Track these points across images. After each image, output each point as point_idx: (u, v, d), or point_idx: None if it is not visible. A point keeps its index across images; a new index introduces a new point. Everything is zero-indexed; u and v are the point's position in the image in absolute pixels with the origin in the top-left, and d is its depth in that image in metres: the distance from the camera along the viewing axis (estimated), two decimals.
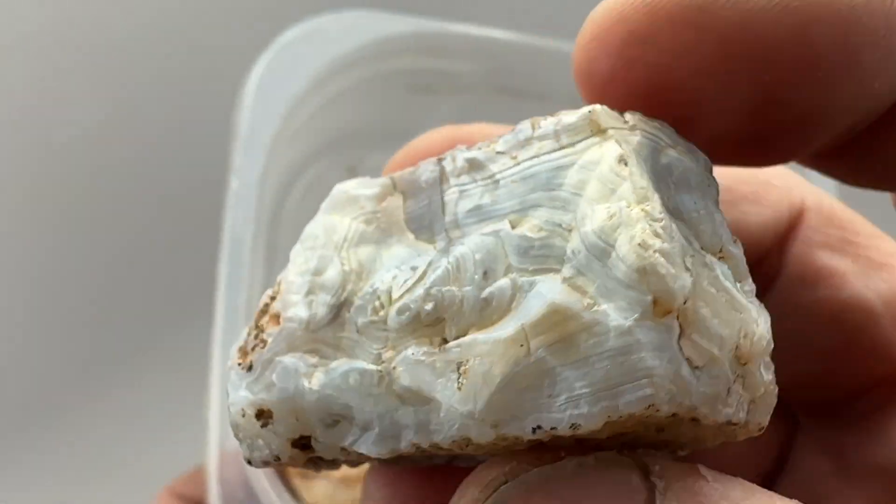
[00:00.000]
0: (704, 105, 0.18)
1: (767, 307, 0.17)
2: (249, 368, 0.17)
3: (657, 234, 0.15)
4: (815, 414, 0.23)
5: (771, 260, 0.22)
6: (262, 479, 0.31)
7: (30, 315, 0.52)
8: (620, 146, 0.16)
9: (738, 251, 0.17)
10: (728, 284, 0.16)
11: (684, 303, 0.15)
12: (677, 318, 0.15)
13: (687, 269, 0.15)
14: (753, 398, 0.16)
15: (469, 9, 0.45)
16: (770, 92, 0.17)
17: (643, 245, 0.15)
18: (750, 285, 0.17)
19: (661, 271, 0.14)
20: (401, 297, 0.17)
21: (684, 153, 0.17)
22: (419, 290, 0.16)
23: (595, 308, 0.15)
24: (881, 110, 0.18)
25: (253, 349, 0.18)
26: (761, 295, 0.22)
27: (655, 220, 0.15)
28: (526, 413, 0.15)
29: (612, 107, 0.17)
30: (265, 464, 0.18)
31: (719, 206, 0.17)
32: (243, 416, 0.17)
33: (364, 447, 0.17)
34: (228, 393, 0.18)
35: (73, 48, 0.52)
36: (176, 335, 0.50)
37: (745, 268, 0.17)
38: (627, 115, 0.17)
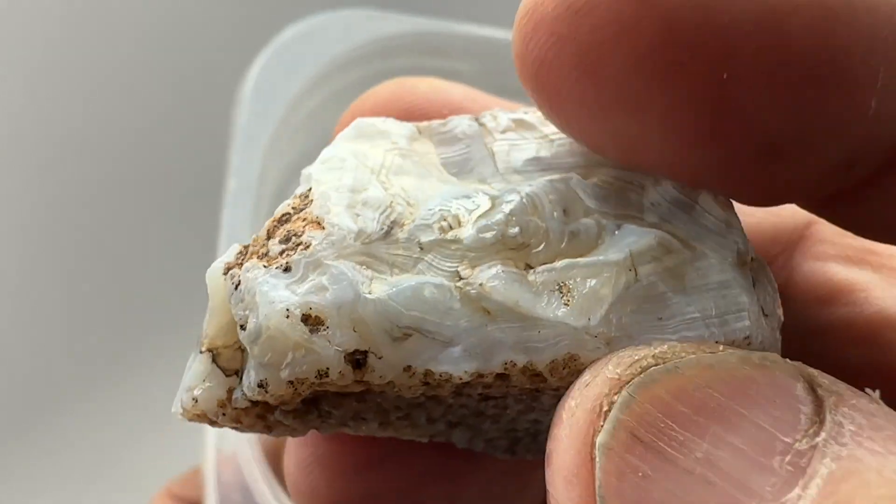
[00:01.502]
0: (645, 103, 0.14)
1: None
2: (286, 269, 0.15)
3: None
4: None
5: (776, 270, 0.20)
6: (259, 481, 0.31)
7: (27, 316, 0.52)
8: None
9: (763, 265, 0.18)
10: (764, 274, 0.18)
11: (752, 259, 0.16)
12: (751, 271, 0.16)
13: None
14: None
15: (468, 8, 0.45)
16: (730, 97, 0.14)
17: (724, 204, 0.16)
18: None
19: (737, 225, 0.16)
20: (477, 219, 0.16)
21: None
22: (499, 215, 0.16)
23: (694, 248, 0.16)
24: (889, 146, 0.14)
25: (283, 253, 0.15)
26: None
27: None
28: (639, 333, 0.15)
29: (546, 94, 0.15)
30: (290, 385, 0.15)
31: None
32: (287, 317, 0.15)
33: (446, 364, 0.15)
34: (255, 292, 0.15)
35: (72, 48, 0.51)
36: (173, 336, 0.50)
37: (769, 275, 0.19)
38: None
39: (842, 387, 0.13)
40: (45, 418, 0.50)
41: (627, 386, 0.13)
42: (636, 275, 0.15)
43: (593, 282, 0.15)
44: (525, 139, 0.18)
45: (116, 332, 0.52)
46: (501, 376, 0.15)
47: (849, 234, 0.18)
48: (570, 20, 0.14)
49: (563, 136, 0.17)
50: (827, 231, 0.20)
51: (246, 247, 0.17)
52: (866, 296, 0.19)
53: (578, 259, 0.16)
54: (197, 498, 0.36)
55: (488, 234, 0.16)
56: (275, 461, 0.31)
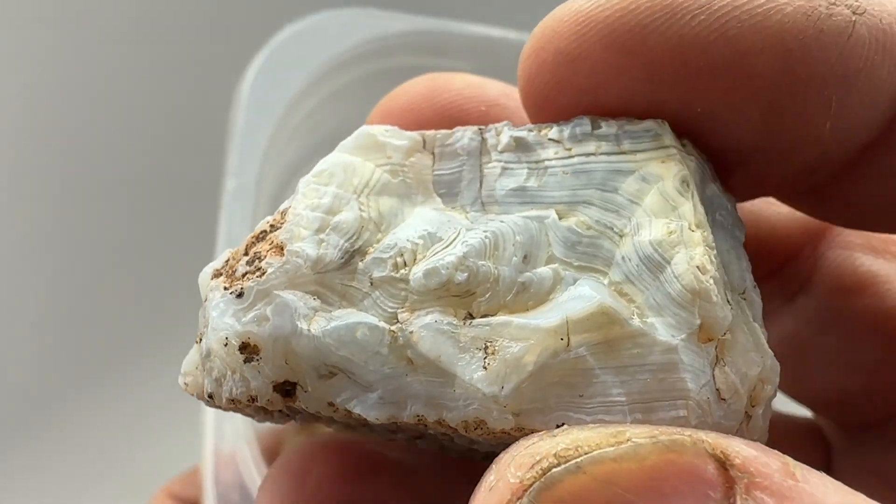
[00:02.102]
0: None
1: (802, 312, 0.18)
2: (240, 295, 0.16)
3: (712, 262, 0.15)
4: (852, 436, 0.22)
5: (803, 259, 0.21)
6: (258, 481, 0.31)
7: (26, 317, 0.52)
8: (685, 166, 0.16)
9: (757, 298, 0.17)
10: (756, 326, 0.16)
11: (724, 334, 0.15)
12: (716, 348, 0.15)
13: (728, 302, 0.15)
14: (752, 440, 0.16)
15: (467, 7, 0.45)
16: (706, 123, 0.16)
17: (701, 268, 0.15)
18: (765, 332, 0.17)
19: (713, 298, 0.15)
20: (429, 259, 0.16)
21: (721, 189, 0.17)
22: (451, 257, 0.16)
23: (643, 320, 0.15)
24: (845, 154, 0.16)
25: (244, 276, 0.16)
26: (793, 297, 0.22)
27: (710, 248, 0.15)
28: (551, 408, 0.15)
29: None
30: (231, 403, 0.16)
31: (745, 248, 0.17)
32: (225, 345, 0.15)
33: (360, 408, 0.15)
34: (208, 314, 0.16)
35: (68, 48, 0.51)
36: (172, 337, 0.50)
37: (761, 314, 0.17)
38: (684, 139, 0.17)
39: (757, 462, 0.13)
40: (44, 418, 0.50)
41: (529, 492, 0.13)
42: (568, 344, 0.15)
43: (518, 347, 0.15)
44: (519, 163, 0.17)
45: (115, 332, 0.52)
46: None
47: None
48: (568, 67, 0.16)
49: (560, 161, 0.17)
50: None
51: (235, 252, 0.17)
52: (888, 288, 0.20)
53: (513, 318, 0.15)
54: (196, 498, 0.36)
55: (433, 280, 0.15)
56: (273, 461, 0.30)
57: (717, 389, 0.15)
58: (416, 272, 0.16)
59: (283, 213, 0.17)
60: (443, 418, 0.15)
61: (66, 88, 0.52)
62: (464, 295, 0.15)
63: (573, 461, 0.13)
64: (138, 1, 0.52)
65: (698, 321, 0.15)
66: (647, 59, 0.15)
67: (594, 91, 0.16)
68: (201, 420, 0.33)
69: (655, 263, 0.15)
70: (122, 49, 0.52)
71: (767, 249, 0.22)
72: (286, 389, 0.16)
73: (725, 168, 0.17)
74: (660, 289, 0.15)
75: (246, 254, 0.16)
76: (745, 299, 0.16)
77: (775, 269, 0.22)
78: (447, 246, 0.16)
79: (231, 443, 0.32)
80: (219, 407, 0.17)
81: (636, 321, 0.15)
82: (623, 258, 0.15)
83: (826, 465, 0.22)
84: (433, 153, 0.17)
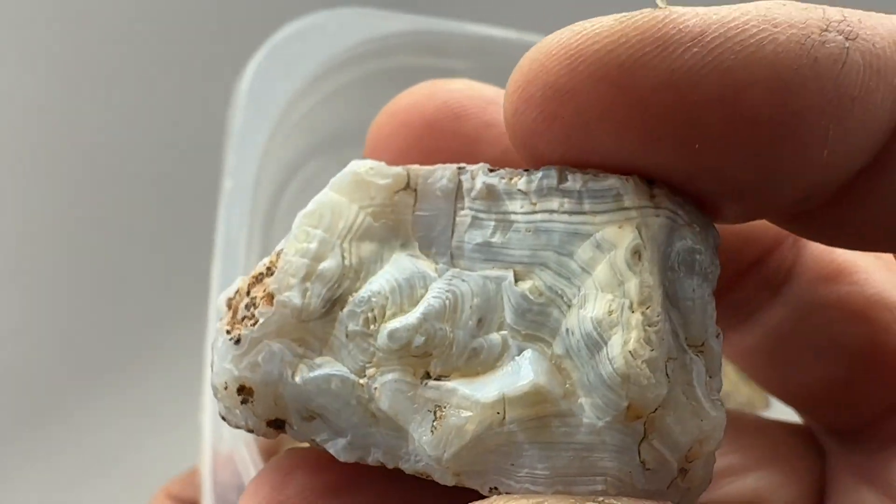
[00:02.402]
0: (628, 170, 0.16)
1: (785, 302, 0.18)
2: (237, 342, 0.18)
3: (649, 342, 0.16)
4: (844, 440, 0.22)
5: (787, 248, 0.22)
6: None
7: (26, 317, 0.52)
8: (640, 233, 0.16)
9: (717, 346, 0.17)
10: (699, 390, 0.17)
11: (654, 410, 0.16)
12: (644, 424, 0.16)
13: (667, 375, 0.16)
14: (690, 487, 0.17)
15: (466, 6, 0.45)
16: (700, 159, 0.16)
17: (633, 353, 0.15)
18: (719, 382, 0.17)
19: (642, 381, 0.15)
20: (394, 317, 0.17)
21: (698, 233, 0.17)
22: (413, 318, 0.17)
23: (574, 399, 0.16)
24: (841, 179, 0.16)
25: (243, 321, 0.18)
26: (776, 288, 0.22)
27: (651, 325, 0.16)
28: (487, 472, 0.16)
29: (534, 161, 0.17)
30: (238, 427, 0.18)
31: (714, 291, 0.18)
32: (226, 387, 0.18)
33: (333, 450, 0.17)
34: (213, 357, 0.18)
35: (66, 47, 0.51)
36: (170, 337, 0.50)
37: (719, 363, 0.17)
38: (655, 189, 0.17)
39: None
40: (44, 419, 0.50)
41: None
42: (503, 418, 0.16)
43: (461, 416, 0.16)
44: (488, 213, 0.17)
45: (113, 333, 0.52)
46: None
47: None
48: (556, 102, 0.16)
49: (524, 217, 0.17)
50: None
51: (242, 286, 0.18)
52: (867, 277, 0.21)
53: (460, 386, 0.16)
54: (196, 498, 0.36)
55: (395, 342, 0.17)
56: None
57: (643, 462, 0.16)
58: (382, 333, 0.17)
59: (279, 255, 0.18)
60: (399, 467, 0.17)
61: (65, 86, 0.52)
62: (422, 356, 0.17)
63: None
64: (136, 1, 0.52)
65: (626, 403, 0.15)
66: (639, 95, 0.15)
67: (584, 127, 0.16)
68: (200, 420, 0.32)
69: (594, 342, 0.16)
70: (120, 49, 0.52)
71: (750, 239, 0.22)
72: (277, 424, 0.18)
73: (718, 200, 0.17)
74: (594, 368, 0.16)
75: (248, 293, 0.18)
76: (701, 352, 0.17)
77: (758, 259, 0.22)
78: (414, 304, 0.17)
79: (229, 444, 0.32)
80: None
81: (565, 403, 0.16)
82: (567, 331, 0.16)
83: (820, 471, 0.22)
84: (416, 190, 0.18)
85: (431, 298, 0.17)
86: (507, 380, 0.16)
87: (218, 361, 0.18)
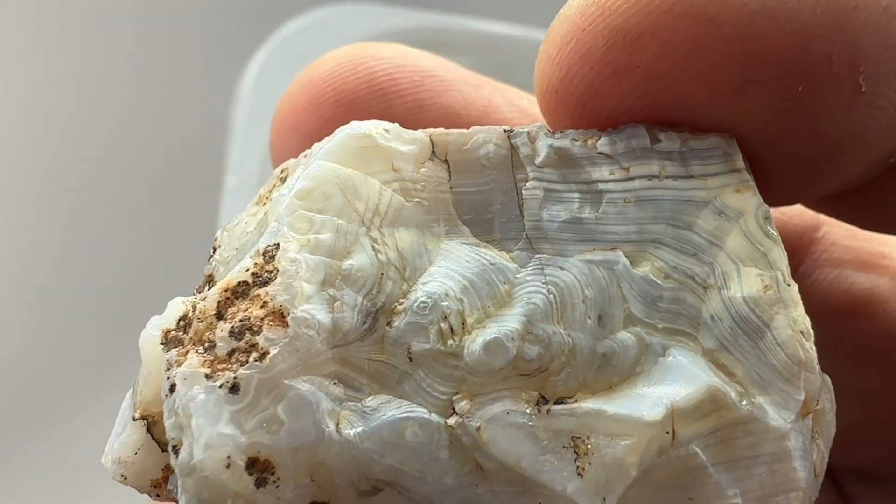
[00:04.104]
0: (710, 128, 0.13)
1: None
2: (234, 389, 0.11)
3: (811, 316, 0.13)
4: (864, 479, 0.21)
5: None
6: None
7: (27, 317, 0.52)
8: (762, 199, 0.13)
9: None
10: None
11: (817, 403, 0.13)
12: (812, 420, 0.13)
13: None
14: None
15: (470, 3, 0.45)
16: (804, 105, 0.13)
17: (805, 334, 0.13)
18: None
19: (816, 369, 0.13)
20: (481, 325, 0.12)
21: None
22: (514, 323, 0.12)
23: (751, 400, 0.12)
24: (879, 157, 0.14)
25: (231, 356, 0.12)
26: None
27: (801, 304, 0.13)
28: None
29: (593, 124, 0.14)
30: None
31: None
32: (227, 466, 0.11)
33: None
34: (189, 417, 0.11)
35: (68, 46, 0.51)
36: None
37: None
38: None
39: None
40: (44, 419, 0.50)
41: None
42: (673, 438, 0.12)
43: (618, 446, 0.12)
44: (565, 183, 0.13)
45: (114, 332, 0.52)
46: None
47: (860, 236, 0.18)
48: (628, 49, 0.13)
49: (617, 185, 0.13)
50: (837, 234, 0.19)
51: (193, 305, 0.13)
52: (885, 308, 0.18)
53: (604, 405, 0.12)
54: None
55: (498, 358, 0.12)
56: None
57: (814, 467, 0.13)
58: (472, 347, 0.12)
59: (267, 255, 0.12)
60: None
61: (67, 85, 0.52)
62: (534, 373, 0.12)
63: None
64: None
65: (802, 396, 0.12)
66: (736, 26, 0.12)
67: (666, 75, 0.13)
68: None
69: (753, 327, 0.13)
70: (123, 47, 0.52)
71: None
72: None
73: (806, 162, 0.14)
74: (761, 359, 0.13)
75: (220, 316, 0.12)
76: None
77: None
78: (505, 304, 0.13)
79: None
80: None
81: (745, 404, 0.12)
82: (713, 318, 0.13)
83: None
84: (446, 161, 0.14)
85: (530, 294, 0.13)
86: (666, 388, 0.12)
87: (206, 426, 0.11)
